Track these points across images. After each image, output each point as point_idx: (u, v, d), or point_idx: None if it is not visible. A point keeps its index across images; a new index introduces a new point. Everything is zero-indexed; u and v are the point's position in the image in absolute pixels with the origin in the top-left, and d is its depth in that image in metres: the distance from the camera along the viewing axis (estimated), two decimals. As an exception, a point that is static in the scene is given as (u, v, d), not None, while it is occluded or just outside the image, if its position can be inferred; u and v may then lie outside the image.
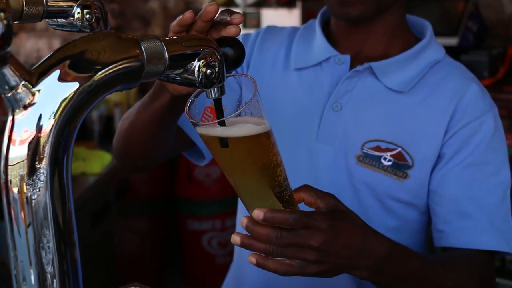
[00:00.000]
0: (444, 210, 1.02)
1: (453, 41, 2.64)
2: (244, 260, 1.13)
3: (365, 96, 1.06)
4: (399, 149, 1.03)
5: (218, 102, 0.71)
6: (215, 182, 3.05)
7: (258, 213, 0.75)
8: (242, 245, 0.77)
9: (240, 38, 1.19)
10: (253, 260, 0.78)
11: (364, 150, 1.03)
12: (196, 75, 0.66)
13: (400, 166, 1.03)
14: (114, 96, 2.64)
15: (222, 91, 0.70)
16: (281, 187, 0.78)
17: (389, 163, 1.03)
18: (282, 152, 1.09)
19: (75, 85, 0.59)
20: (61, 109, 0.59)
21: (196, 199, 3.03)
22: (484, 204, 1.01)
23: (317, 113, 1.07)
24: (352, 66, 1.08)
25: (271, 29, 1.19)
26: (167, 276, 3.08)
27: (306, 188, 0.81)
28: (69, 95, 0.59)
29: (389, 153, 1.03)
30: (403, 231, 1.06)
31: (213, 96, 0.70)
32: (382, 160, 1.03)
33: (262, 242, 0.76)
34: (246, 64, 1.16)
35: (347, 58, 1.08)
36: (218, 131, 0.72)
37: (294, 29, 1.18)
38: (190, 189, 3.06)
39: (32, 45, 3.23)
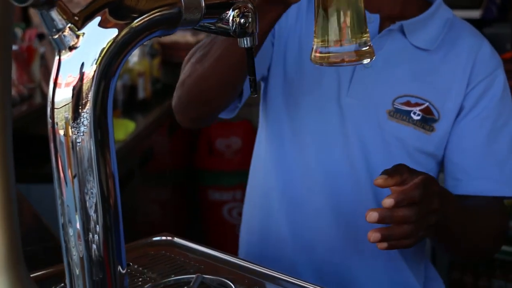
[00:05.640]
0: (462, 159, 1.10)
1: (476, 13, 2.63)
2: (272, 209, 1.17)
3: (393, 54, 1.10)
4: (427, 103, 1.09)
5: (250, 52, 0.73)
6: (235, 153, 3.09)
7: (390, 201, 0.83)
8: (384, 238, 0.84)
9: None
10: (384, 245, 0.85)
11: (395, 105, 1.09)
12: (230, 24, 0.69)
13: (428, 120, 1.09)
14: (137, 66, 2.67)
15: (254, 41, 0.72)
16: None
17: (418, 118, 1.09)
18: (313, 107, 1.12)
19: (114, 32, 0.62)
20: (102, 54, 0.62)
21: (217, 170, 3.07)
22: (497, 154, 1.10)
23: (348, 70, 1.11)
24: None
25: None
26: (187, 245, 3.13)
27: (386, 178, 0.87)
28: (109, 41, 0.61)
29: (418, 108, 1.09)
30: None
31: (245, 45, 0.72)
32: (411, 114, 1.09)
33: (402, 224, 0.83)
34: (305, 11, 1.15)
35: (376, 17, 1.11)
36: None
37: None
38: (211, 160, 3.10)
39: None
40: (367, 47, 0.84)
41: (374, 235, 0.83)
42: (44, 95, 2.35)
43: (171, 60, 3.07)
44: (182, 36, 3.11)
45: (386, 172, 0.87)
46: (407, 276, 1.14)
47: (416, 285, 1.15)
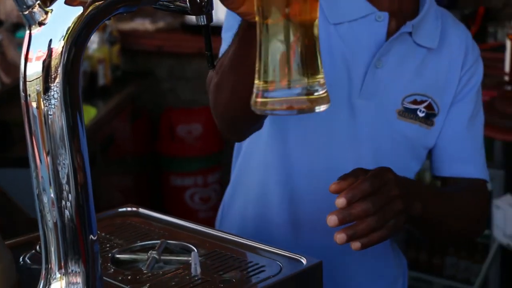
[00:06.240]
0: (449, 144, 1.14)
1: (427, 0, 2.71)
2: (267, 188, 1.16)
3: (402, 54, 1.12)
4: (429, 100, 1.13)
5: (206, 28, 0.79)
6: (197, 139, 3.13)
7: (342, 201, 0.80)
8: (349, 238, 0.81)
9: None
10: (357, 245, 0.82)
11: (404, 105, 1.12)
12: (187, 2, 0.74)
13: (429, 115, 1.13)
14: (97, 53, 2.69)
15: (210, 19, 0.78)
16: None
17: (423, 114, 1.12)
18: None
19: (79, 10, 0.67)
20: (69, 31, 0.66)
21: (179, 156, 3.11)
22: (475, 138, 1.16)
23: (361, 70, 1.10)
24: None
25: None
26: (150, 231, 3.17)
27: (339, 181, 0.86)
28: (75, 19, 0.66)
29: (422, 105, 1.12)
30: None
31: (201, 22, 0.77)
32: (418, 112, 1.12)
33: (362, 218, 0.81)
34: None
35: (385, 15, 1.09)
36: None
37: None
38: (172, 146, 3.13)
39: (12, 3, 3.24)
40: (321, 91, 0.70)
41: (339, 236, 0.81)
42: (3, 83, 2.35)
43: (130, 47, 3.09)
44: (141, 23, 3.13)
45: (340, 177, 0.87)
46: (392, 269, 1.19)
47: (397, 274, 1.20)
